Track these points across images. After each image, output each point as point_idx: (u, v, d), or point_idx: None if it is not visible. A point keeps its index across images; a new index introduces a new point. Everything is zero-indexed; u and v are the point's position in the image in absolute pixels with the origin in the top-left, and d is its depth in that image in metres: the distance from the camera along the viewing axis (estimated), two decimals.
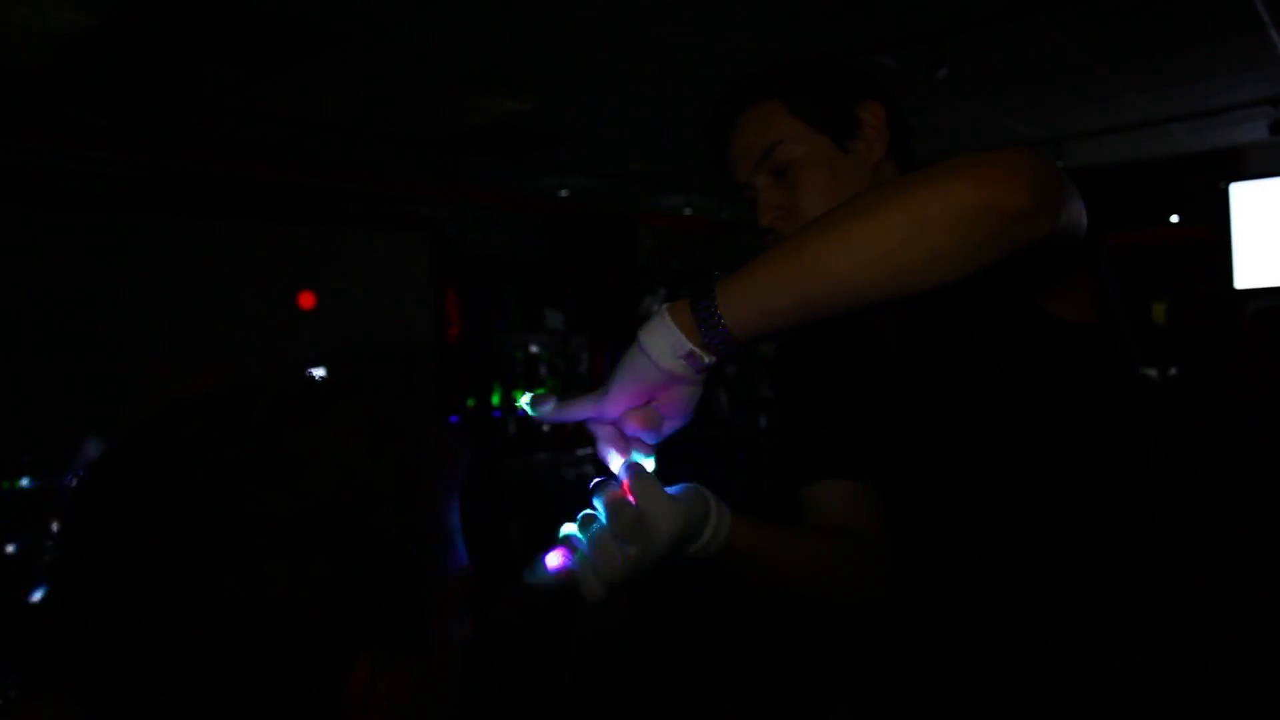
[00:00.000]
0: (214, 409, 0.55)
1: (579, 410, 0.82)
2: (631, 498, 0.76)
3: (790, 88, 1.03)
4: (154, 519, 0.50)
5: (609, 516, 0.76)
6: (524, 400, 0.85)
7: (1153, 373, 2.87)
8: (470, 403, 5.63)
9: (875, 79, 1.08)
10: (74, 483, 0.53)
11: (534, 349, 6.15)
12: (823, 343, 1.16)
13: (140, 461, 0.53)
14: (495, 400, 5.85)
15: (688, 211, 6.98)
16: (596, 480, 0.81)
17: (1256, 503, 2.36)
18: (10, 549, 2.87)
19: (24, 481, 3.01)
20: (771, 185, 1.02)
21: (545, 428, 6.00)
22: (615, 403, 0.80)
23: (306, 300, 3.85)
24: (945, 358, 1.00)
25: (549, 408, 0.83)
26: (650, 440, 0.82)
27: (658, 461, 0.83)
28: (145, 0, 2.82)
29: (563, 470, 5.77)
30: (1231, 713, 2.27)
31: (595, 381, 1.03)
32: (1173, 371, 2.81)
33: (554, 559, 0.78)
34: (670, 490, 0.78)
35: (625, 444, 0.81)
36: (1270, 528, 2.33)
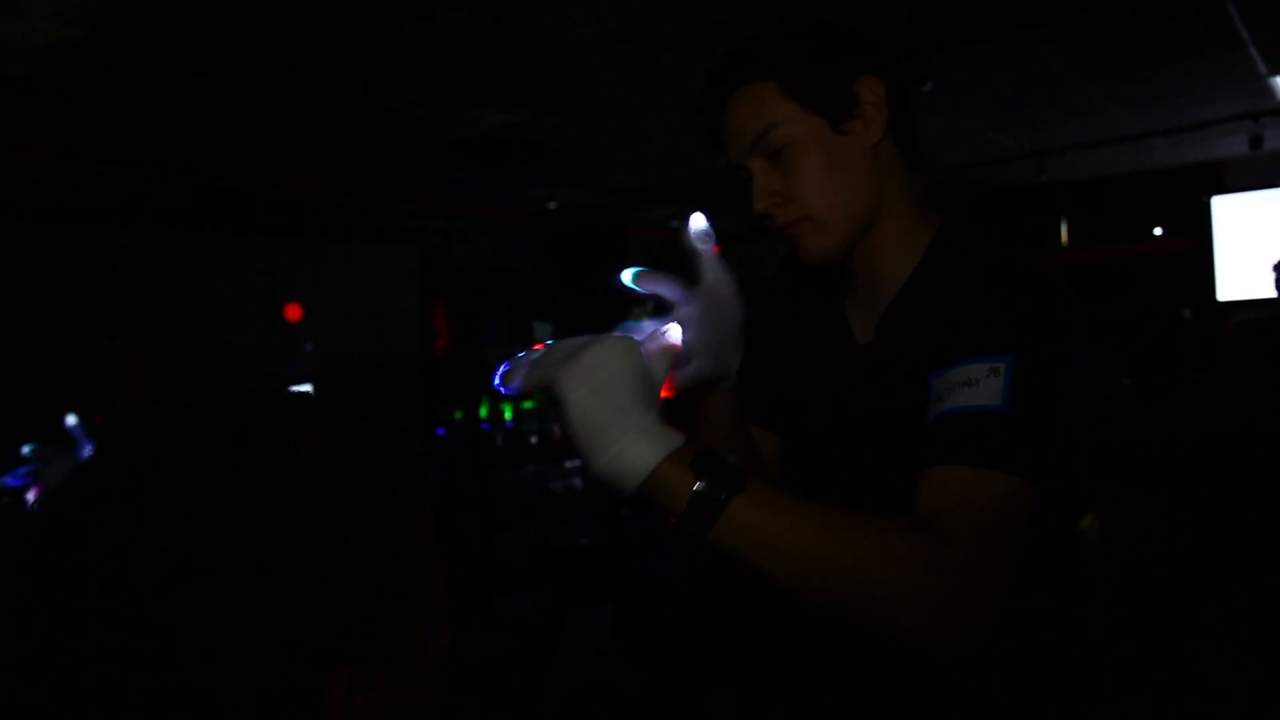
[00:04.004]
0: (179, 427, 0.54)
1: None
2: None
3: (784, 67, 0.99)
4: (120, 541, 0.49)
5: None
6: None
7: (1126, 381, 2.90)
8: (458, 415, 5.62)
9: (876, 50, 1.04)
10: (37, 507, 0.52)
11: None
12: (798, 317, 1.17)
13: (104, 482, 0.52)
14: (483, 413, 5.84)
15: (676, 224, 7.00)
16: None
17: (1236, 514, 2.38)
18: None
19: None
20: (766, 169, 1.00)
21: (533, 439, 5.99)
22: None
23: (293, 312, 3.83)
24: (902, 364, 1.00)
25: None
26: None
27: None
28: (130, 12, 2.82)
29: (550, 483, 5.76)
30: (1213, 710, 2.28)
31: None
32: (1127, 382, 2.84)
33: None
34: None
35: None
36: (1250, 539, 2.35)
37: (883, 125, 1.02)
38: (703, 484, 0.74)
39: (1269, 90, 4.30)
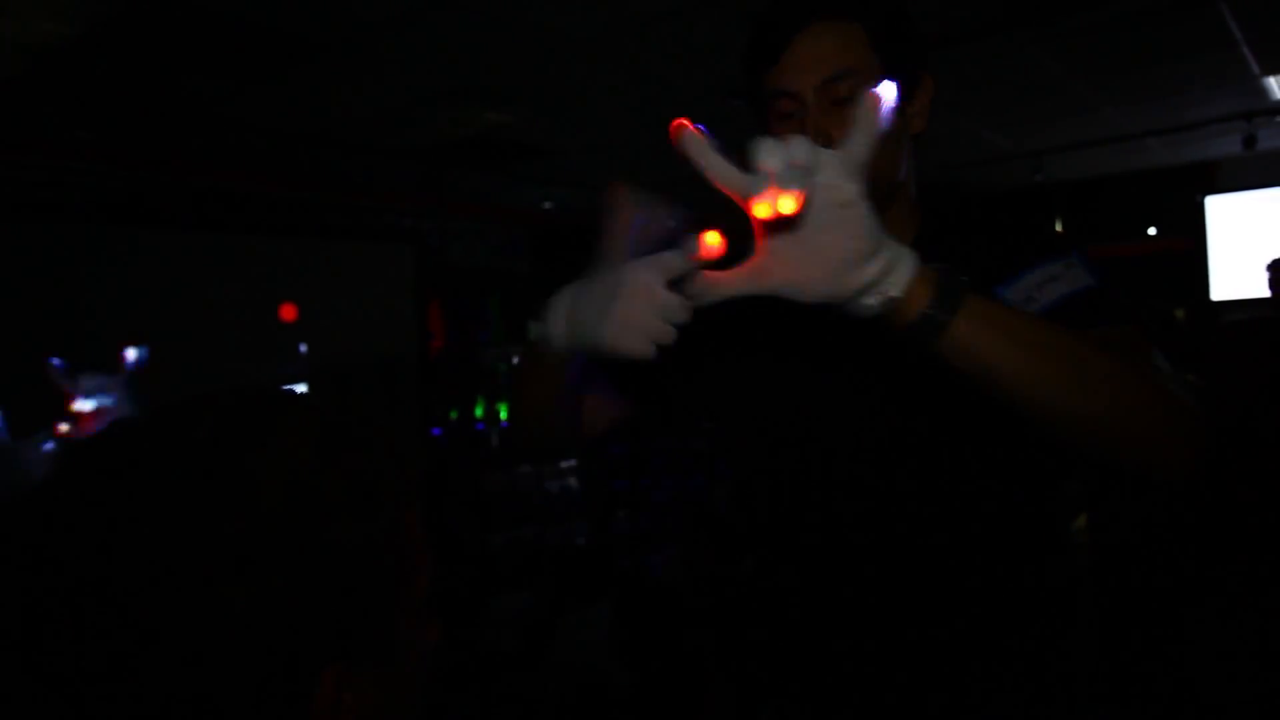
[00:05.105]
0: (159, 428, 0.54)
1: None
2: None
3: (878, 22, 0.97)
4: (100, 543, 0.49)
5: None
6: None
7: None
8: (453, 415, 5.62)
9: (929, 51, 1.04)
10: (13, 509, 0.52)
11: (517, 361, 6.14)
12: (765, 310, 1.11)
13: (85, 484, 0.52)
14: (478, 413, 5.84)
15: (673, 223, 6.99)
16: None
17: (1229, 514, 2.39)
18: None
19: None
20: (826, 110, 0.95)
21: None
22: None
23: (288, 312, 3.83)
24: (879, 351, 1.00)
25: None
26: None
27: (637, 473, 0.83)
28: (127, 11, 2.81)
29: (546, 483, 5.75)
30: (1205, 713, 2.29)
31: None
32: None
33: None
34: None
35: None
36: (1243, 539, 2.36)
37: (924, 121, 1.05)
38: (942, 275, 0.76)
39: (1262, 90, 4.32)
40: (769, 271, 0.75)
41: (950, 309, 0.74)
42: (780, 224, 0.72)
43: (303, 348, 3.83)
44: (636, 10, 2.98)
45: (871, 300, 0.74)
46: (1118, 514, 2.71)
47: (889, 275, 0.73)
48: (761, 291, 0.76)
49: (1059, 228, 6.66)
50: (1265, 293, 3.52)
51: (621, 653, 2.80)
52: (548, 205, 6.22)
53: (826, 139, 0.93)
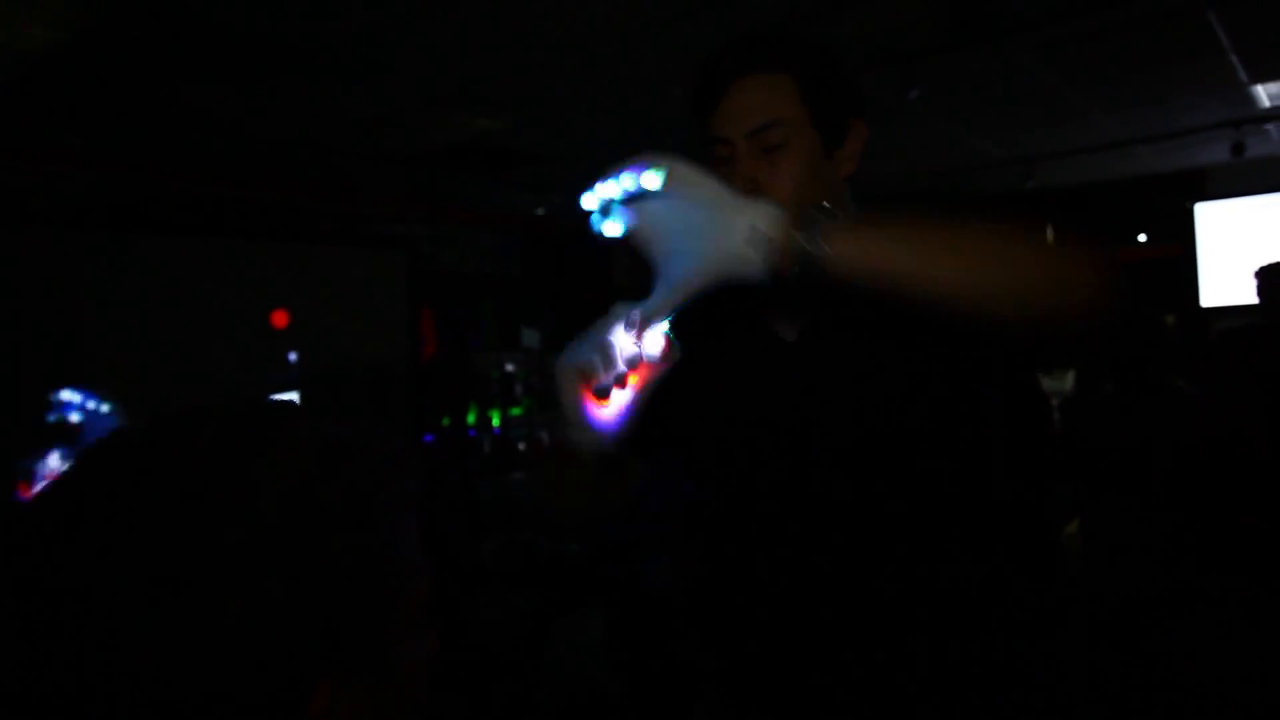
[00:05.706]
0: (160, 437, 0.54)
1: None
2: None
3: (806, 72, 1.03)
4: (99, 552, 0.49)
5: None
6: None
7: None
8: (445, 422, 5.61)
9: (864, 100, 1.09)
10: (12, 516, 0.52)
11: (510, 368, 6.14)
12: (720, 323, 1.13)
13: (84, 493, 0.52)
14: (471, 419, 5.82)
15: None
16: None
17: (1219, 520, 2.40)
18: None
19: None
20: (753, 155, 1.02)
21: (521, 446, 5.97)
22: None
23: (280, 319, 3.82)
24: (841, 357, 1.04)
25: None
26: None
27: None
28: (117, 17, 2.80)
29: (539, 489, 5.74)
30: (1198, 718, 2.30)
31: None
32: (1110, 387, 2.86)
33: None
34: None
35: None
36: (1235, 543, 2.36)
37: (854, 165, 1.08)
38: (807, 210, 0.83)
39: (1250, 98, 4.35)
40: (671, 273, 0.84)
41: (820, 234, 0.80)
42: (660, 219, 0.84)
43: (293, 356, 3.81)
44: (626, 18, 2.98)
45: (754, 252, 0.81)
46: (1110, 519, 2.72)
47: (759, 220, 0.81)
48: (677, 293, 0.84)
49: (1050, 234, 6.70)
50: (1254, 299, 3.53)
51: (613, 659, 2.80)
52: (540, 211, 6.23)
53: (754, 183, 1.00)
